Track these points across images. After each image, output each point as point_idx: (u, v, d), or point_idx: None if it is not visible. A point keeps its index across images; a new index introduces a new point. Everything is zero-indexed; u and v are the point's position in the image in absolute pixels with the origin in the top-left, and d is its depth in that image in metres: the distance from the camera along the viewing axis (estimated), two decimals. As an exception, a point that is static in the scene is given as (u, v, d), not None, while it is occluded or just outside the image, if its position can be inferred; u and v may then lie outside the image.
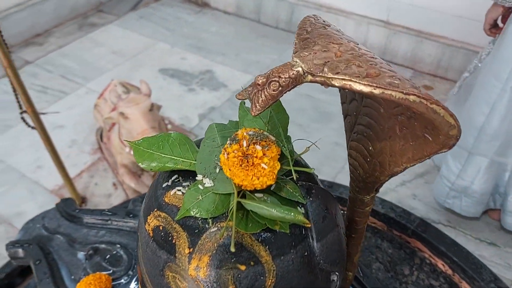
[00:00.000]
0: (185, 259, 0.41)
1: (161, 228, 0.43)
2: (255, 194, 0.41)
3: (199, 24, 2.62)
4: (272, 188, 0.42)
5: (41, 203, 1.56)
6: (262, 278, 0.40)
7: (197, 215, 0.41)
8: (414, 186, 1.62)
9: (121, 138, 1.50)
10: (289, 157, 0.43)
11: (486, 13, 1.24)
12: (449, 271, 1.15)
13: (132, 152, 1.41)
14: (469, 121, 1.31)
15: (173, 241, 0.42)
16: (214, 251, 0.40)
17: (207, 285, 0.40)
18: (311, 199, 0.43)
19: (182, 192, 0.43)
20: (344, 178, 1.65)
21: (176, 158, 0.45)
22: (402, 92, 0.36)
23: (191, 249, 0.41)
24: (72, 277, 0.84)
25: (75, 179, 1.63)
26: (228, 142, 0.40)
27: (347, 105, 0.54)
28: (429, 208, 1.55)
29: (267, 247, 0.41)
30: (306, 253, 0.42)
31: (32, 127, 1.38)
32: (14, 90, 1.32)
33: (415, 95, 0.36)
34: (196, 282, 0.41)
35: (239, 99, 0.40)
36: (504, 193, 1.39)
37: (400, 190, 1.60)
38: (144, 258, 0.45)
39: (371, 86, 0.37)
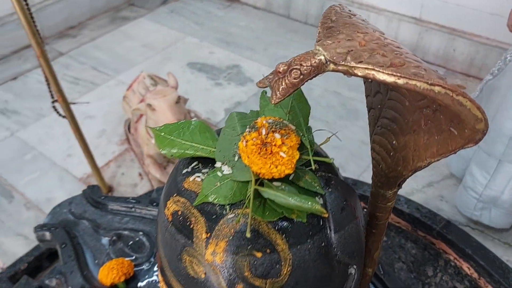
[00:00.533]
0: (202, 244, 0.41)
1: (179, 213, 0.43)
2: (273, 183, 0.40)
3: (228, 18, 2.63)
4: (290, 178, 0.42)
5: (70, 190, 1.60)
6: (278, 266, 0.40)
7: (215, 201, 0.41)
8: (442, 187, 1.58)
9: (148, 129, 1.53)
10: (308, 147, 0.43)
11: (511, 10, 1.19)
12: (475, 275, 1.12)
13: (158, 143, 1.43)
14: (499, 127, 1.25)
15: (191, 226, 0.42)
16: (231, 237, 0.40)
17: (223, 270, 0.41)
18: (330, 190, 0.43)
19: (201, 179, 0.44)
20: (369, 177, 1.63)
21: (196, 145, 0.45)
22: (427, 83, 0.35)
23: (208, 234, 0.41)
24: (96, 261, 0.86)
25: (103, 168, 1.67)
26: (247, 129, 0.40)
27: (371, 98, 0.53)
28: (456, 211, 1.51)
29: (283, 235, 0.40)
30: (323, 244, 0.42)
31: (63, 116, 1.42)
32: (46, 80, 1.36)
33: (440, 86, 0.35)
34: (212, 267, 0.41)
35: (260, 87, 0.40)
36: None
37: (427, 191, 1.56)
38: (162, 243, 0.46)
39: (395, 76, 0.36)
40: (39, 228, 0.92)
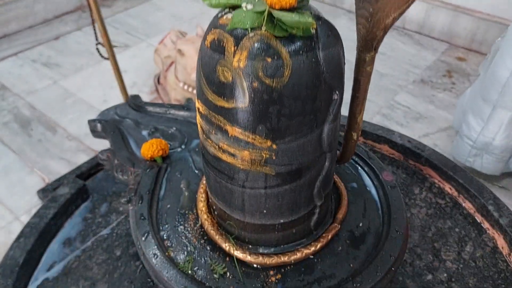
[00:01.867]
0: (231, 55, 0.61)
1: (215, 39, 0.63)
2: (280, 11, 0.60)
3: None
4: (296, 11, 0.61)
5: (106, 127, 1.82)
6: (281, 69, 0.60)
7: (241, 27, 0.61)
8: (437, 138, 1.75)
9: (177, 74, 1.74)
10: (305, -10, 0.62)
11: None
12: (455, 193, 1.30)
13: (185, 88, 1.64)
14: (494, 76, 1.41)
15: (223, 45, 0.62)
16: (250, 48, 0.60)
17: (245, 71, 0.60)
18: (320, 22, 0.62)
19: (231, 16, 0.64)
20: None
21: (228, -4, 0.65)
22: None
23: (235, 48, 0.61)
24: (138, 146, 1.07)
25: (135, 111, 1.88)
26: (265, -28, 0.60)
27: (356, -17, 0.73)
28: (448, 157, 1.68)
29: (286, 47, 0.60)
30: (313, 59, 0.61)
31: (106, 58, 1.64)
32: (93, 23, 1.58)
33: None
34: (237, 71, 0.61)
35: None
36: None
37: (423, 140, 1.74)
38: (202, 67, 0.66)
39: None
40: (92, 121, 1.13)
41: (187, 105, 1.17)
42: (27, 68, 2.17)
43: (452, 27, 2.29)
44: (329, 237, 0.83)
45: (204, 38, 0.66)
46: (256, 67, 0.60)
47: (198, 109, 0.71)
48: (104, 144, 1.56)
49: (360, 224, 0.87)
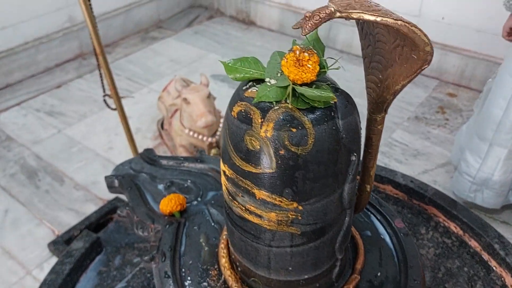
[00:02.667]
0: (258, 126, 0.66)
1: (242, 110, 0.68)
2: (302, 87, 0.66)
3: (246, 39, 2.94)
4: (313, 86, 0.67)
5: (112, 175, 1.85)
6: (306, 137, 0.65)
7: (266, 100, 0.66)
8: (436, 174, 1.81)
9: (182, 121, 1.79)
10: (325, 65, 0.68)
11: (504, 24, 1.46)
12: (460, 232, 1.34)
13: (190, 134, 1.69)
14: (488, 115, 1.48)
15: (250, 116, 0.67)
16: (276, 120, 0.65)
17: (272, 140, 0.65)
18: (337, 94, 0.68)
19: (256, 89, 0.69)
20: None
21: (253, 70, 0.71)
22: (393, 19, 0.61)
23: (262, 120, 0.66)
24: (155, 200, 1.10)
25: (140, 158, 1.92)
26: (287, 52, 0.66)
27: (365, 50, 0.79)
28: (449, 193, 1.73)
29: (309, 119, 0.65)
30: (334, 127, 0.66)
31: (113, 109, 1.69)
32: (101, 76, 1.64)
33: (401, 20, 0.61)
34: (265, 140, 0.66)
35: (294, 28, 0.66)
36: None
37: (422, 177, 1.79)
38: (229, 134, 0.70)
39: (374, 15, 0.61)
40: (109, 177, 1.16)
41: (200, 157, 1.22)
42: (31, 117, 2.21)
43: (441, 64, 2.39)
44: (350, 288, 0.86)
45: (230, 109, 0.71)
46: (282, 137, 0.65)
47: (224, 172, 0.75)
48: (116, 194, 1.59)
49: (378, 274, 0.91)
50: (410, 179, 1.48)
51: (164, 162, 1.22)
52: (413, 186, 1.44)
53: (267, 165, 0.67)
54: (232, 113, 0.70)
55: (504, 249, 1.23)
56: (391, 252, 0.96)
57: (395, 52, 0.70)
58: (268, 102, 0.66)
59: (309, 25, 0.63)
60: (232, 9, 3.20)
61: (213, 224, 1.03)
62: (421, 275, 0.88)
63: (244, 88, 0.71)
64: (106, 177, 1.16)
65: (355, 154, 0.72)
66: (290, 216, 0.71)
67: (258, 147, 0.67)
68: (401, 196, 1.48)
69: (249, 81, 0.72)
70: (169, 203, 1.03)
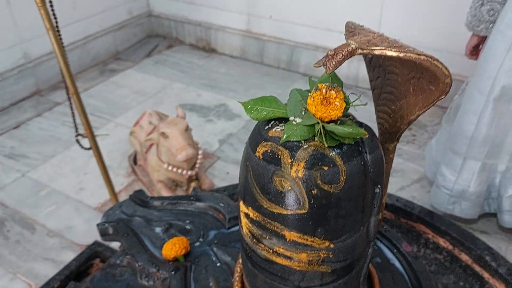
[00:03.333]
0: (288, 166, 0.65)
1: (269, 151, 0.67)
2: (330, 124, 0.65)
3: (209, 66, 2.93)
4: (338, 122, 0.67)
5: (88, 218, 1.76)
6: (338, 175, 0.64)
7: (294, 139, 0.65)
8: (413, 190, 1.86)
9: (159, 156, 1.74)
10: (348, 100, 0.68)
11: (467, 44, 1.54)
12: (450, 247, 1.38)
13: (169, 168, 1.64)
14: (460, 131, 1.55)
15: (279, 157, 0.66)
16: (307, 159, 0.64)
17: (304, 180, 0.64)
18: (363, 128, 0.68)
19: (281, 129, 0.67)
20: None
21: (274, 109, 0.70)
22: (417, 54, 0.62)
23: (291, 160, 0.65)
24: (155, 244, 1.05)
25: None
26: (312, 90, 0.65)
27: (374, 82, 0.80)
28: (428, 207, 1.78)
29: (340, 156, 0.65)
30: (362, 162, 0.66)
31: (88, 148, 1.61)
32: (73, 115, 1.57)
33: (424, 55, 0.62)
34: (295, 181, 0.64)
35: (317, 67, 0.66)
36: (498, 195, 1.62)
37: (400, 194, 1.84)
38: (254, 176, 0.68)
39: (397, 51, 0.62)
40: (101, 224, 1.10)
41: (196, 195, 1.18)
42: (-12, 162, 2.07)
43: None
44: (373, 319, 0.85)
45: (253, 150, 0.69)
46: (314, 176, 0.64)
47: (248, 215, 0.73)
48: (91, 237, 1.51)
49: (396, 300, 0.91)
50: (396, 198, 1.51)
51: (157, 203, 1.17)
52: (400, 205, 1.48)
53: (299, 205, 0.65)
54: (257, 154, 0.68)
55: (495, 260, 1.27)
56: (404, 278, 0.97)
57: (409, 83, 0.72)
58: (296, 141, 0.66)
59: (333, 63, 0.63)
60: (192, 38, 3.19)
61: (219, 264, 1.00)
62: (438, 298, 0.89)
63: (266, 128, 0.70)
64: (98, 225, 1.10)
65: (379, 186, 0.72)
66: (322, 255, 0.70)
67: (289, 187, 0.65)
68: (388, 215, 1.51)
69: (270, 120, 0.71)
70: (173, 248, 0.98)
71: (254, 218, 0.71)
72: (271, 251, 0.72)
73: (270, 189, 0.67)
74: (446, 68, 0.63)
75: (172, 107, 2.45)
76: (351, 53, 0.64)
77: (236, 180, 1.56)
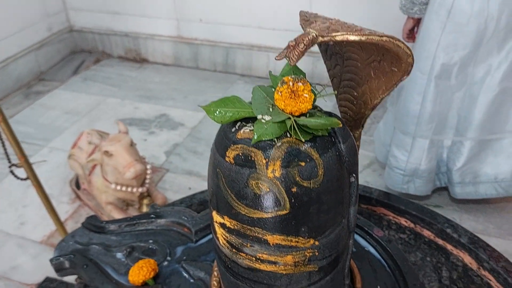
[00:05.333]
0: (263, 167, 0.61)
1: (240, 154, 0.62)
2: (300, 117, 0.62)
3: (142, 77, 2.82)
4: (308, 115, 0.64)
5: (34, 254, 1.61)
6: (315, 169, 0.61)
7: (266, 138, 0.61)
8: (365, 175, 1.90)
9: (105, 176, 1.63)
10: (315, 91, 0.65)
11: (403, 27, 1.59)
12: (412, 225, 1.41)
13: (118, 188, 1.55)
14: (407, 111, 1.60)
15: (252, 159, 0.61)
16: (282, 157, 0.60)
17: (282, 179, 0.60)
18: (333, 117, 0.66)
19: (250, 129, 0.63)
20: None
21: (239, 110, 0.65)
22: (379, 36, 0.61)
23: (266, 160, 0.61)
24: (118, 272, 0.97)
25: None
26: (278, 85, 0.62)
27: (332, 70, 0.79)
28: (383, 189, 1.83)
29: (315, 149, 0.62)
30: (337, 153, 0.64)
31: (24, 179, 1.47)
32: (3, 144, 1.43)
33: (386, 36, 0.61)
34: (273, 181, 0.61)
35: (278, 59, 0.62)
36: (447, 169, 1.69)
37: (355, 181, 1.86)
38: (227, 183, 0.64)
39: (360, 35, 0.61)
40: (55, 259, 0.99)
41: (154, 212, 1.11)
42: None
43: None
44: (360, 310, 0.84)
45: (223, 156, 0.65)
46: (292, 173, 0.61)
47: (224, 225, 0.68)
48: (41, 274, 1.40)
49: (378, 287, 0.90)
50: (354, 185, 1.52)
51: (114, 227, 1.09)
52: (359, 192, 1.49)
53: (280, 206, 0.62)
54: (227, 159, 0.64)
55: (456, 232, 1.32)
56: (381, 263, 0.96)
57: (369, 68, 0.71)
58: (268, 140, 0.62)
59: (296, 54, 0.61)
60: (120, 49, 3.06)
61: (193, 281, 0.94)
62: (418, 279, 0.90)
63: (233, 130, 0.65)
64: (52, 260, 0.99)
65: (353, 175, 0.70)
66: (308, 254, 0.67)
67: (267, 189, 0.61)
68: (348, 203, 1.51)
69: (235, 122, 0.66)
70: (140, 272, 0.91)
71: (232, 227, 0.67)
72: (253, 258, 0.67)
73: (246, 194, 0.63)
74: (408, 47, 0.62)
75: (110, 124, 2.33)
76: (312, 42, 0.62)
77: (190, 192, 1.50)
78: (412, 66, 0.65)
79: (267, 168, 0.61)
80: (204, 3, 2.64)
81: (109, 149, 1.54)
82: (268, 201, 0.62)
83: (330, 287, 0.73)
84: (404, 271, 0.91)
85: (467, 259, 1.29)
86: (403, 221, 1.43)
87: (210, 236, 1.06)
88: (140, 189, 1.65)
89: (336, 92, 0.79)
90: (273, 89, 0.68)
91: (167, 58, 2.94)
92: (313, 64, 2.58)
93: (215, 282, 0.88)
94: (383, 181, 1.79)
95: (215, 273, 0.90)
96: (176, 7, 2.73)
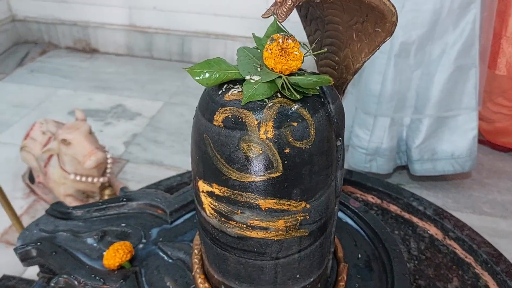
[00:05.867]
0: (255, 129, 0.59)
1: (230, 117, 0.60)
2: (291, 76, 0.61)
3: (95, 67, 2.71)
4: (298, 73, 0.63)
5: (-13, 253, 1.50)
6: (308, 129, 0.60)
7: (256, 99, 0.60)
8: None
9: (63, 167, 1.55)
10: (305, 48, 0.64)
11: None
12: (379, 201, 1.44)
13: (77, 179, 1.47)
14: (368, 91, 1.63)
15: (243, 121, 0.59)
16: (274, 117, 0.59)
17: (274, 140, 0.59)
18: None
19: (238, 91, 0.61)
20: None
21: (226, 71, 0.63)
22: None
23: (258, 121, 0.59)
24: (90, 257, 0.91)
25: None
26: (268, 42, 0.60)
27: (312, 36, 0.78)
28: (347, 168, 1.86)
29: (306, 109, 0.61)
30: (327, 113, 0.63)
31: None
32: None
33: None
34: (266, 142, 0.59)
35: (265, 17, 0.61)
36: (406, 148, 1.75)
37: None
38: (217, 149, 0.61)
39: None
40: (19, 248, 0.92)
41: (125, 195, 1.05)
42: None
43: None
44: (345, 277, 0.84)
45: (210, 120, 0.62)
46: (285, 134, 0.59)
47: (212, 193, 0.66)
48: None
49: (359, 256, 0.91)
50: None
51: (81, 212, 1.03)
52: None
53: (273, 169, 0.60)
54: (215, 122, 0.61)
55: (421, 204, 1.36)
56: (359, 233, 0.97)
57: (351, 30, 0.71)
58: (258, 101, 0.60)
59: (285, 10, 0.60)
60: (68, 40, 2.91)
61: (172, 261, 0.90)
62: (396, 244, 0.91)
63: (220, 92, 0.63)
64: (16, 249, 0.92)
65: (340, 138, 0.70)
66: (299, 218, 0.66)
67: (259, 151, 0.60)
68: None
69: (220, 85, 0.64)
70: (116, 255, 0.86)
71: (221, 195, 0.65)
72: (244, 226, 0.66)
73: (237, 158, 0.61)
74: (393, 5, 0.62)
75: (62, 116, 2.21)
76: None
77: (150, 182, 1.44)
78: (396, 25, 0.65)
79: (259, 130, 0.59)
80: (157, -10, 2.57)
81: (67, 137, 1.46)
82: (260, 163, 0.60)
83: (319, 253, 0.73)
84: (383, 238, 0.92)
85: (433, 230, 1.34)
86: (370, 198, 1.46)
87: (186, 217, 1.02)
88: (101, 179, 1.58)
89: (315, 58, 0.78)
90: (258, 50, 0.66)
91: (120, 48, 2.83)
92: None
93: (196, 260, 0.86)
94: (347, 160, 1.83)
95: (196, 251, 0.87)
96: (128, -5, 2.64)
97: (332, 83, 0.62)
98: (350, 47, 0.72)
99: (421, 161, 1.75)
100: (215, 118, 0.62)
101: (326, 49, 0.69)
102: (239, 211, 0.64)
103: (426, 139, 1.71)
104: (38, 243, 0.93)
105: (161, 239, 0.95)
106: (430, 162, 1.75)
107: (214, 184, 0.65)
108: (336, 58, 0.75)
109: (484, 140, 2.00)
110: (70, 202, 1.57)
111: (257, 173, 0.61)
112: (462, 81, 1.61)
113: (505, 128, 1.94)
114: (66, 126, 1.50)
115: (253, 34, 0.69)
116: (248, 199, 0.63)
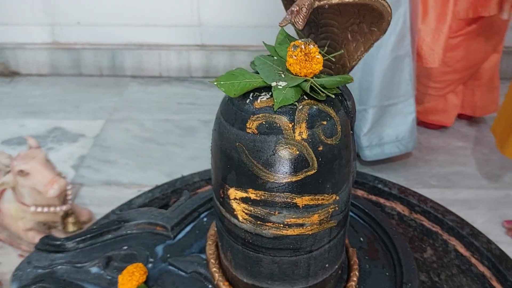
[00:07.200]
0: (290, 131, 0.62)
1: (264, 123, 0.63)
2: (314, 79, 0.65)
3: (19, 92, 2.52)
4: (315, 76, 0.67)
5: None
6: (335, 126, 0.65)
7: (287, 103, 0.63)
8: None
9: (21, 200, 1.44)
10: (321, 53, 0.69)
11: None
12: (346, 188, 1.54)
13: (38, 210, 1.40)
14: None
15: (277, 125, 0.63)
16: (307, 118, 0.63)
17: (309, 140, 0.62)
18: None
19: (267, 98, 0.64)
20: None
21: (250, 80, 0.66)
22: None
23: (292, 124, 0.63)
24: (100, 285, 0.88)
25: (-30, 270, 1.46)
26: (290, 49, 0.64)
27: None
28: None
29: (331, 107, 0.66)
30: (346, 110, 0.69)
31: None
32: None
33: None
34: (301, 143, 0.63)
35: (282, 26, 0.64)
36: (356, 136, 1.87)
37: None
38: (252, 155, 0.64)
39: None
40: (20, 290, 0.86)
41: (119, 218, 1.02)
42: None
43: (232, 64, 2.61)
44: (357, 261, 0.90)
45: (242, 128, 0.64)
46: (318, 133, 0.64)
47: (248, 198, 0.68)
48: None
49: (361, 239, 0.98)
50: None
51: (74, 243, 0.98)
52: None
53: (309, 167, 0.64)
54: (249, 130, 0.64)
55: (386, 186, 1.47)
56: (354, 218, 1.04)
57: (346, 32, 0.76)
58: (288, 105, 0.64)
59: (301, 17, 0.64)
60: (-18, 64, 2.68)
61: (187, 275, 0.90)
62: (391, 223, 1.00)
63: (248, 101, 0.65)
64: (16, 293, 0.86)
65: (351, 132, 0.76)
66: (330, 210, 0.70)
67: (296, 152, 0.63)
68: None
69: (245, 94, 0.66)
70: (132, 277, 0.84)
71: (258, 198, 0.67)
72: (281, 225, 0.69)
73: (274, 161, 0.64)
74: (389, 5, 0.69)
75: (-4, 146, 2.04)
76: (311, 6, 0.65)
77: (112, 204, 1.38)
78: (389, 24, 0.72)
79: (294, 132, 0.63)
80: (81, 4, 2.46)
81: (24, 168, 1.36)
82: (297, 163, 0.64)
83: (343, 241, 0.78)
84: (379, 219, 1.00)
85: (400, 207, 1.46)
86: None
87: (187, 229, 1.02)
88: (64, 207, 1.49)
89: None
90: (274, 58, 0.70)
91: (43, 68, 2.66)
92: (207, 58, 2.59)
93: (215, 269, 0.86)
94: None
95: (212, 261, 0.88)
96: (48, 11, 2.49)
97: (353, 80, 0.67)
98: (346, 47, 0.78)
99: (370, 147, 1.88)
100: (248, 126, 0.64)
101: (342, 51, 0.74)
102: (277, 212, 0.67)
103: (372, 127, 1.85)
104: (38, 282, 0.87)
105: (168, 255, 0.94)
106: (378, 147, 1.89)
107: (250, 190, 0.67)
108: (332, 58, 0.81)
109: (417, 120, 2.20)
110: (33, 236, 1.47)
111: (295, 173, 0.64)
112: (398, 71, 1.77)
113: (433, 107, 2.15)
114: (20, 156, 1.40)
115: (263, 42, 0.72)
116: (285, 199, 0.66)
